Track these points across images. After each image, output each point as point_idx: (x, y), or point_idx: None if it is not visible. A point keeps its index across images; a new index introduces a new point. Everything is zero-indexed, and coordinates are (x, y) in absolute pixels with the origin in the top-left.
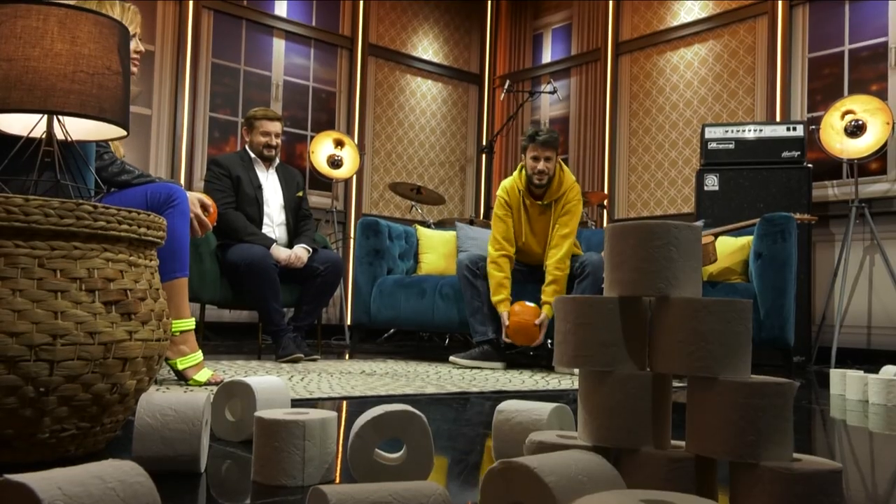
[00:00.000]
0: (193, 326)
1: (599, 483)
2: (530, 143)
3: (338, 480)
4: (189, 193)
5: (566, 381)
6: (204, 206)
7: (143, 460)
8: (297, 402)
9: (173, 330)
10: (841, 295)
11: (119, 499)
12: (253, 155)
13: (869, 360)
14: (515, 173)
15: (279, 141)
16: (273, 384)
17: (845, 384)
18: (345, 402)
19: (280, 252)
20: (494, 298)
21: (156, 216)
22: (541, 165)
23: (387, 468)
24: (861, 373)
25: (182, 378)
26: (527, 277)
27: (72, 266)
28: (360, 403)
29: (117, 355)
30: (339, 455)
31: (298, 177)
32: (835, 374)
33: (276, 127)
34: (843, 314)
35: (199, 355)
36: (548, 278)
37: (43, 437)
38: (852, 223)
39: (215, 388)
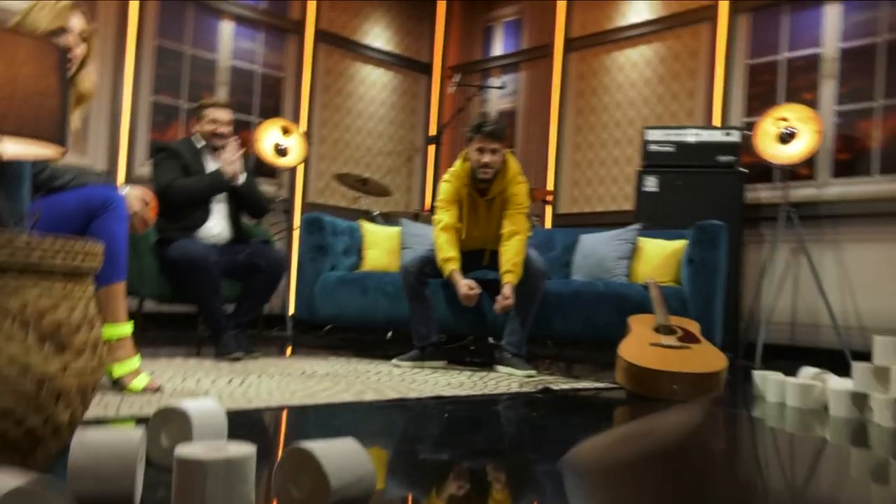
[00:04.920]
0: (130, 332)
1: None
2: (476, 135)
3: None
4: (130, 190)
5: (503, 382)
6: (145, 202)
7: (78, 498)
8: (234, 415)
9: (110, 336)
10: (768, 293)
11: None
12: (200, 144)
13: (793, 356)
14: (458, 163)
15: (229, 130)
16: (208, 409)
17: (766, 387)
18: (280, 413)
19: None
20: (443, 255)
21: (92, 244)
22: (486, 158)
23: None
24: (780, 376)
25: (118, 384)
26: (467, 267)
27: (5, 300)
28: (298, 414)
29: (51, 390)
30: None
31: (250, 160)
32: (757, 375)
33: (225, 115)
34: (769, 312)
35: (135, 361)
36: (505, 270)
37: None
38: (781, 226)
39: (153, 401)
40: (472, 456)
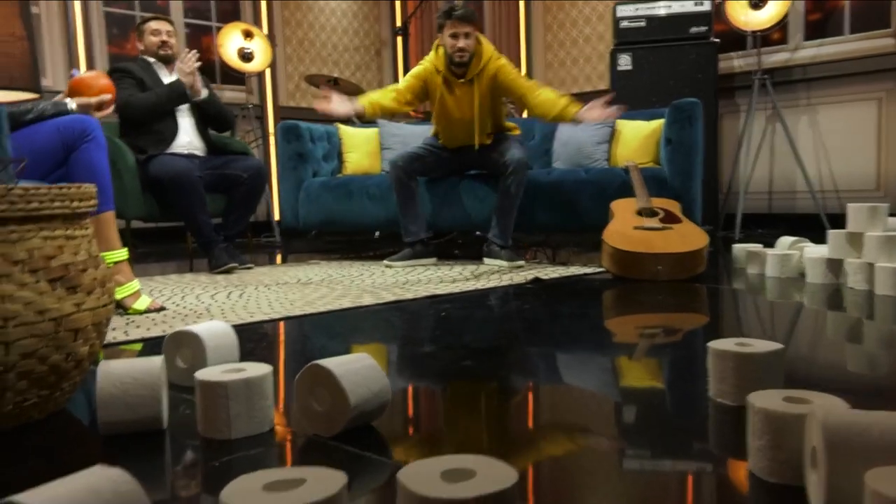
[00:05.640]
0: (126, 257)
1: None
2: (447, 20)
3: (286, 425)
4: (75, 104)
5: (494, 275)
6: (92, 104)
7: (109, 425)
8: (240, 329)
9: (107, 262)
10: (745, 164)
11: None
12: (151, 60)
13: (770, 224)
14: (431, 54)
15: (174, 40)
16: (220, 330)
17: (746, 259)
18: (282, 324)
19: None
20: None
21: (87, 187)
22: (461, 43)
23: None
24: (759, 247)
25: (121, 307)
26: (452, 164)
27: (12, 249)
28: (301, 324)
29: (68, 328)
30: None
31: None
32: (736, 249)
33: (165, 26)
34: (747, 182)
35: (135, 284)
36: (564, 105)
37: (6, 409)
38: (756, 94)
39: (158, 320)
40: (472, 353)
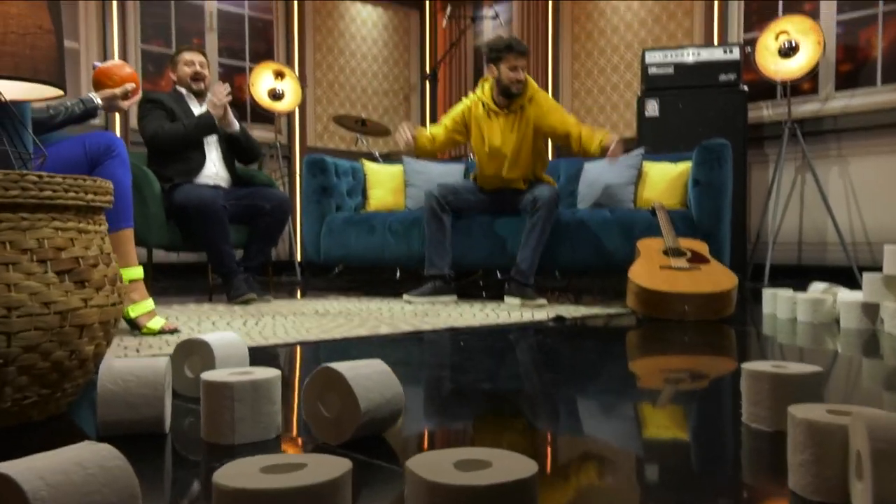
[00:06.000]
0: (142, 275)
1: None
2: (509, 53)
3: (294, 433)
4: (98, 97)
5: (515, 312)
6: (116, 95)
7: (109, 425)
8: (254, 350)
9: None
10: (774, 214)
11: (100, 484)
12: (183, 91)
13: (800, 275)
14: (478, 90)
15: (206, 72)
16: (230, 340)
17: (776, 304)
18: (299, 348)
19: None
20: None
21: (102, 181)
22: (520, 75)
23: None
24: (790, 292)
25: (135, 327)
26: (486, 205)
27: (21, 237)
28: (314, 349)
29: (73, 323)
30: (295, 411)
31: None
32: (766, 293)
33: (198, 57)
34: (776, 232)
35: (149, 303)
36: (597, 140)
37: (5, 406)
38: (785, 143)
39: (172, 342)
40: (491, 380)
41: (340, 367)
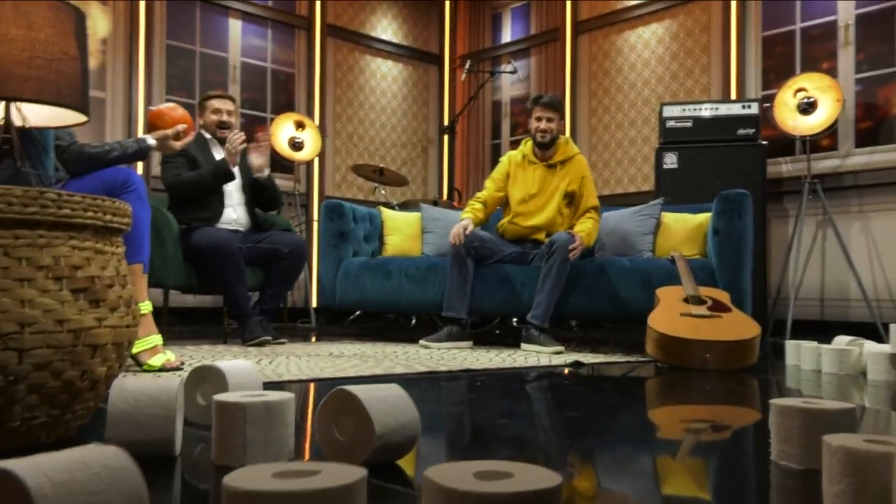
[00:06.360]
0: (150, 310)
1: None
2: (534, 106)
3: (307, 458)
4: (152, 138)
5: (532, 357)
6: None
7: (118, 445)
8: (267, 385)
9: None
10: (795, 269)
11: (105, 483)
12: (208, 136)
13: (822, 331)
14: (521, 145)
15: (233, 120)
16: (244, 368)
17: (800, 355)
18: (312, 385)
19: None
20: (463, 213)
21: (121, 203)
22: (543, 125)
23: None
24: (815, 343)
25: (136, 362)
26: (509, 256)
27: (37, 254)
28: (328, 385)
29: (87, 342)
30: (308, 435)
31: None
32: (790, 345)
33: (227, 105)
34: (797, 287)
35: (154, 339)
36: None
37: (13, 425)
38: (805, 199)
39: (178, 373)
40: (508, 417)
41: (355, 389)
